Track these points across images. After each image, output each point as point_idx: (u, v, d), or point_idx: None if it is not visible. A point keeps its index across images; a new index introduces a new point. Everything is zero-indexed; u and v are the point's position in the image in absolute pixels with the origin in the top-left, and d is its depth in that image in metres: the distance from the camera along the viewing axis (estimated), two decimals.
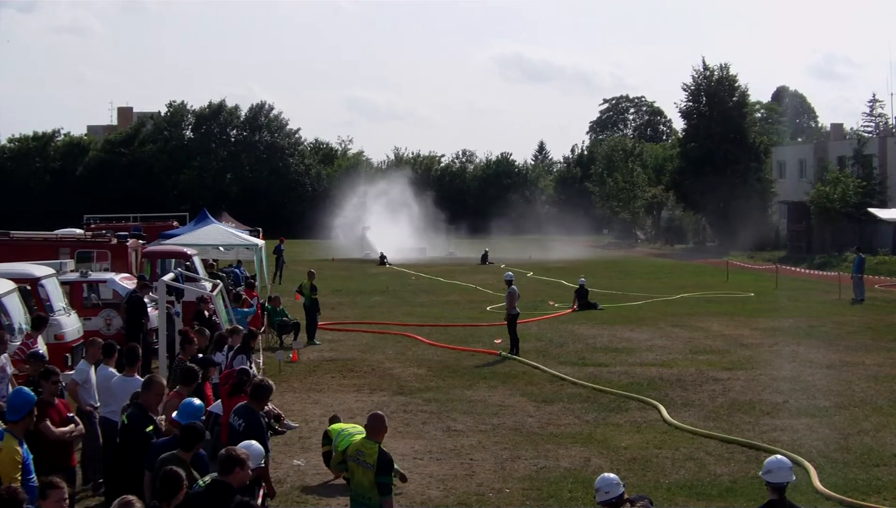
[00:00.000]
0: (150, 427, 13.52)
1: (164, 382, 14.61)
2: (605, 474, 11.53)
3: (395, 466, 13.42)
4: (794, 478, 11.49)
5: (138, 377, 16.08)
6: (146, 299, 28.16)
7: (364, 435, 12.93)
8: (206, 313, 26.26)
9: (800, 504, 12.30)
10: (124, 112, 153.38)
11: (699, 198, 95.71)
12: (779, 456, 11.80)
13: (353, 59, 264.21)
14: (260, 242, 49.95)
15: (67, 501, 10.01)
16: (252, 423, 13.45)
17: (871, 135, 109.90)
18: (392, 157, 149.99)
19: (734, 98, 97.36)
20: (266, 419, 14.61)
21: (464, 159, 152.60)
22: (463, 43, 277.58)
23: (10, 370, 17.36)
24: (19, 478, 12.00)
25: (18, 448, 12.20)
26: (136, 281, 29.74)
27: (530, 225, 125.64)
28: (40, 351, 17.90)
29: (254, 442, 11.89)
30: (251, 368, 20.50)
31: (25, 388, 13.95)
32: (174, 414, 13.89)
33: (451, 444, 20.32)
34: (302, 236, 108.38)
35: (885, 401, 24.32)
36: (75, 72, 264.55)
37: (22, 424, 12.69)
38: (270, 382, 14.45)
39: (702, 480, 17.70)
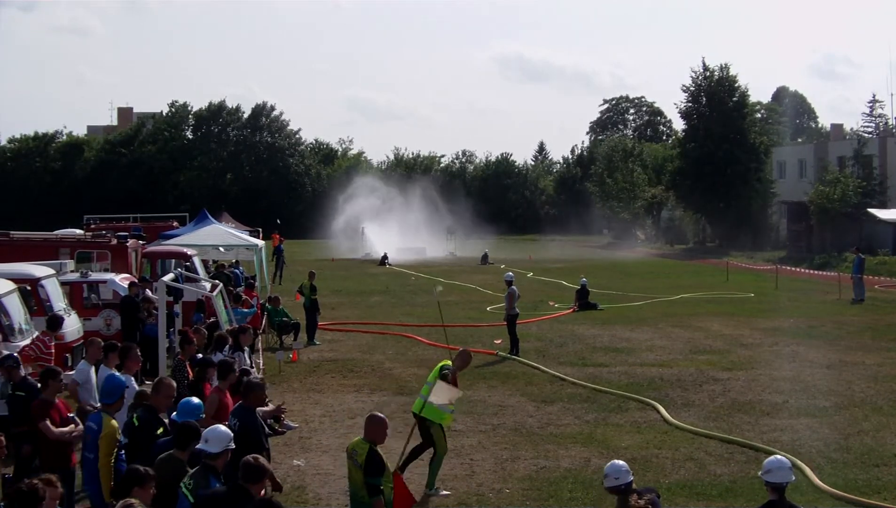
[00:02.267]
0: (161, 430, 13.54)
1: (174, 384, 14.59)
2: (616, 460, 11.60)
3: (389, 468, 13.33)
4: (794, 478, 11.48)
5: (132, 377, 16.16)
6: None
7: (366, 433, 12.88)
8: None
9: (800, 505, 12.30)
10: (124, 112, 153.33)
11: (699, 198, 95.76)
12: (778, 456, 11.80)
13: (353, 60, 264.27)
14: (260, 242, 49.95)
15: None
16: (246, 422, 13.47)
17: (870, 135, 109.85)
18: (392, 157, 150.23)
19: (734, 98, 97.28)
20: (264, 419, 14.60)
21: (464, 160, 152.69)
22: (463, 43, 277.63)
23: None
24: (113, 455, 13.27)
25: (117, 428, 13.41)
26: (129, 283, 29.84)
27: (530, 225, 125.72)
28: (14, 354, 17.90)
29: (220, 426, 11.88)
30: (250, 364, 20.57)
31: (116, 373, 14.77)
32: (174, 414, 13.90)
33: (450, 444, 20.25)
34: (302, 236, 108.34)
35: (885, 401, 24.34)
36: (75, 72, 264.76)
37: (115, 406, 13.77)
38: (258, 379, 14.59)
39: (702, 480, 17.72)
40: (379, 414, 12.86)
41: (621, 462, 11.49)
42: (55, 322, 21.27)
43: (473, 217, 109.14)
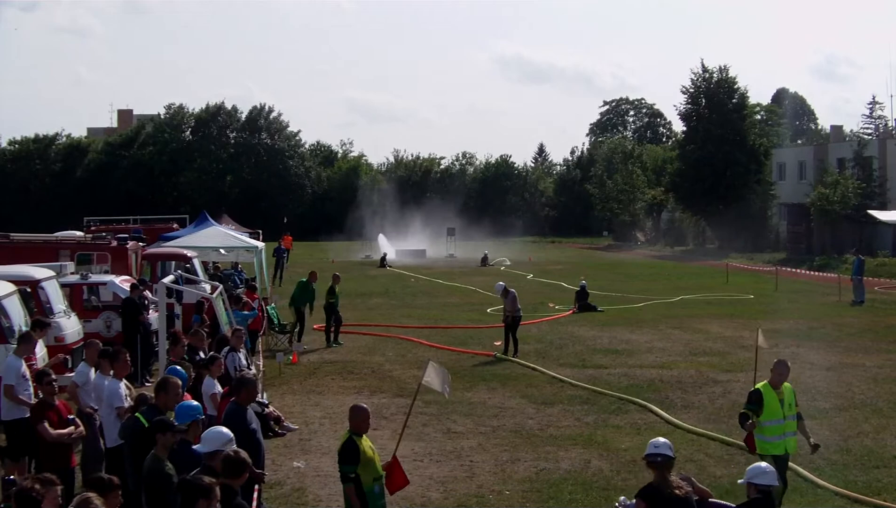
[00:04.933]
0: None
1: (180, 383, 14.54)
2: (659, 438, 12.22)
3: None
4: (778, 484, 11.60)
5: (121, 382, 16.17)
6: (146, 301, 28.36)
7: None
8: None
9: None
10: (124, 114, 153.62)
11: (699, 200, 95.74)
12: (762, 463, 11.83)
13: (353, 60, 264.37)
14: (260, 244, 49.95)
15: (61, 500, 10.01)
16: (228, 415, 13.57)
17: (870, 137, 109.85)
18: (392, 159, 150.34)
19: (734, 100, 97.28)
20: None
21: (464, 162, 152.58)
22: (463, 44, 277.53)
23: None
24: None
25: None
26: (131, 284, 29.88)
27: (530, 227, 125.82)
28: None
29: (222, 428, 11.85)
30: (247, 366, 20.59)
31: (177, 366, 15.13)
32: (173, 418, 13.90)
33: (450, 446, 20.35)
34: (302, 238, 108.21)
35: (885, 403, 24.35)
36: (75, 73, 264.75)
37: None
38: (250, 375, 14.67)
39: (702, 482, 17.66)
40: (361, 405, 13.03)
41: (664, 440, 12.13)
42: (38, 326, 20.85)
43: (473, 219, 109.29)
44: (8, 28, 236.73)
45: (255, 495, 12.99)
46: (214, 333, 24.00)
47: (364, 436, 12.75)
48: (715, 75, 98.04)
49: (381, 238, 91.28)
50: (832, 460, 18.97)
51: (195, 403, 13.69)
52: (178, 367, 15.26)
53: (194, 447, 11.63)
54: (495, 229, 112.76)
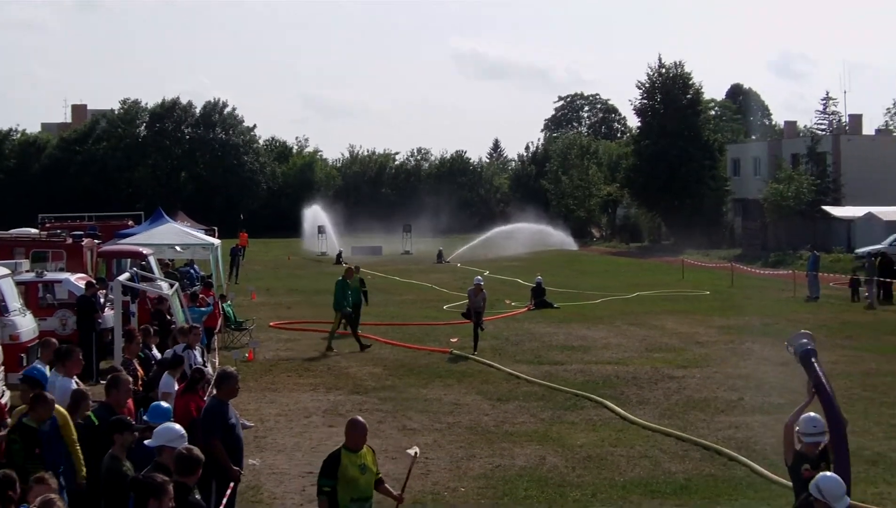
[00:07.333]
0: None
1: (130, 380, 14.49)
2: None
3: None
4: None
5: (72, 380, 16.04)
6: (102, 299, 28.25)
7: None
8: (166, 313, 26.22)
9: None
10: (78, 110, 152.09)
11: (653, 196, 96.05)
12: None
13: (309, 55, 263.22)
14: (216, 241, 49.78)
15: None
16: (209, 410, 13.55)
17: (824, 133, 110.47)
18: (347, 154, 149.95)
19: (688, 95, 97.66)
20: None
21: (419, 157, 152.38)
22: (419, 39, 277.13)
23: None
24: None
25: None
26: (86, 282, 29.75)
27: (485, 223, 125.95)
28: None
29: (174, 425, 11.78)
30: (203, 363, 20.57)
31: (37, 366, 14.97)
32: (145, 416, 13.84)
33: (406, 443, 20.32)
34: (258, 235, 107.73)
35: (839, 398, 24.23)
36: (29, 68, 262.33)
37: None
38: (232, 370, 14.64)
39: (657, 478, 17.81)
40: (357, 419, 12.22)
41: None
42: None
43: (428, 215, 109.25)
44: None
45: (228, 493, 12.99)
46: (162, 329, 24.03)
47: (362, 452, 11.96)
48: (671, 71, 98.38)
49: (329, 232, 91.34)
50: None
51: (167, 405, 13.67)
52: (38, 366, 14.95)
53: (145, 442, 11.61)
54: (450, 225, 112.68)
